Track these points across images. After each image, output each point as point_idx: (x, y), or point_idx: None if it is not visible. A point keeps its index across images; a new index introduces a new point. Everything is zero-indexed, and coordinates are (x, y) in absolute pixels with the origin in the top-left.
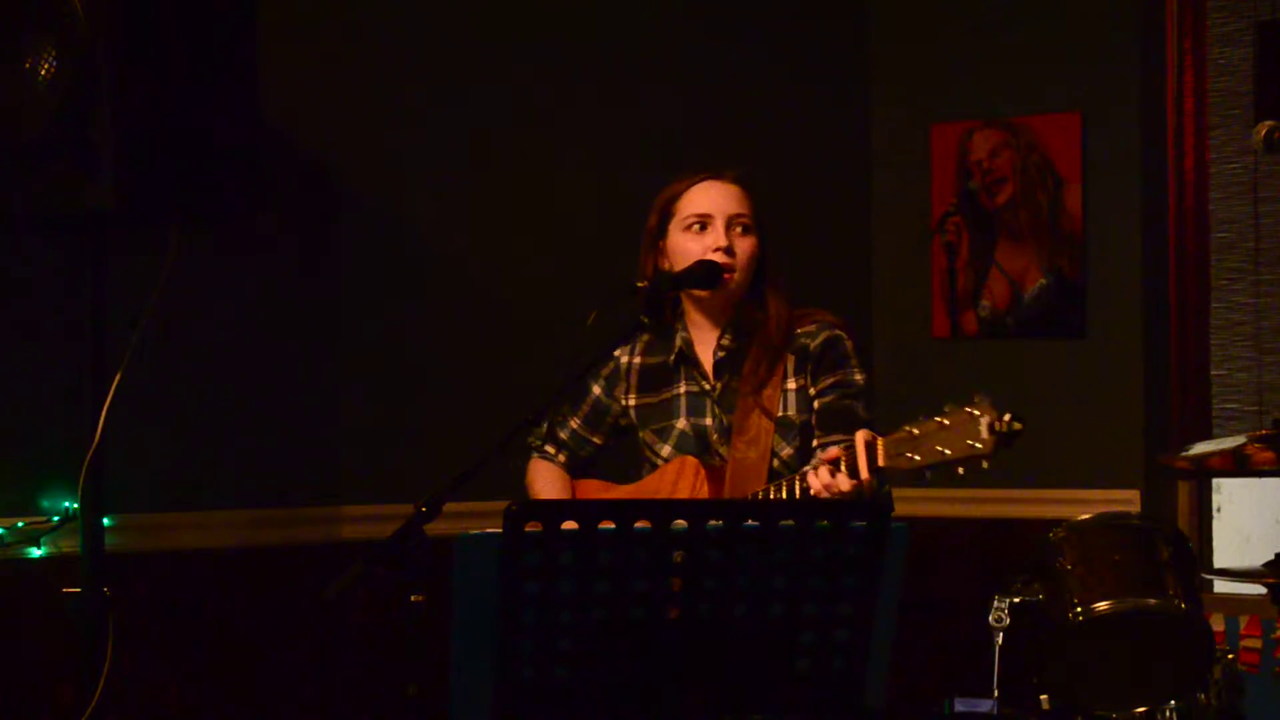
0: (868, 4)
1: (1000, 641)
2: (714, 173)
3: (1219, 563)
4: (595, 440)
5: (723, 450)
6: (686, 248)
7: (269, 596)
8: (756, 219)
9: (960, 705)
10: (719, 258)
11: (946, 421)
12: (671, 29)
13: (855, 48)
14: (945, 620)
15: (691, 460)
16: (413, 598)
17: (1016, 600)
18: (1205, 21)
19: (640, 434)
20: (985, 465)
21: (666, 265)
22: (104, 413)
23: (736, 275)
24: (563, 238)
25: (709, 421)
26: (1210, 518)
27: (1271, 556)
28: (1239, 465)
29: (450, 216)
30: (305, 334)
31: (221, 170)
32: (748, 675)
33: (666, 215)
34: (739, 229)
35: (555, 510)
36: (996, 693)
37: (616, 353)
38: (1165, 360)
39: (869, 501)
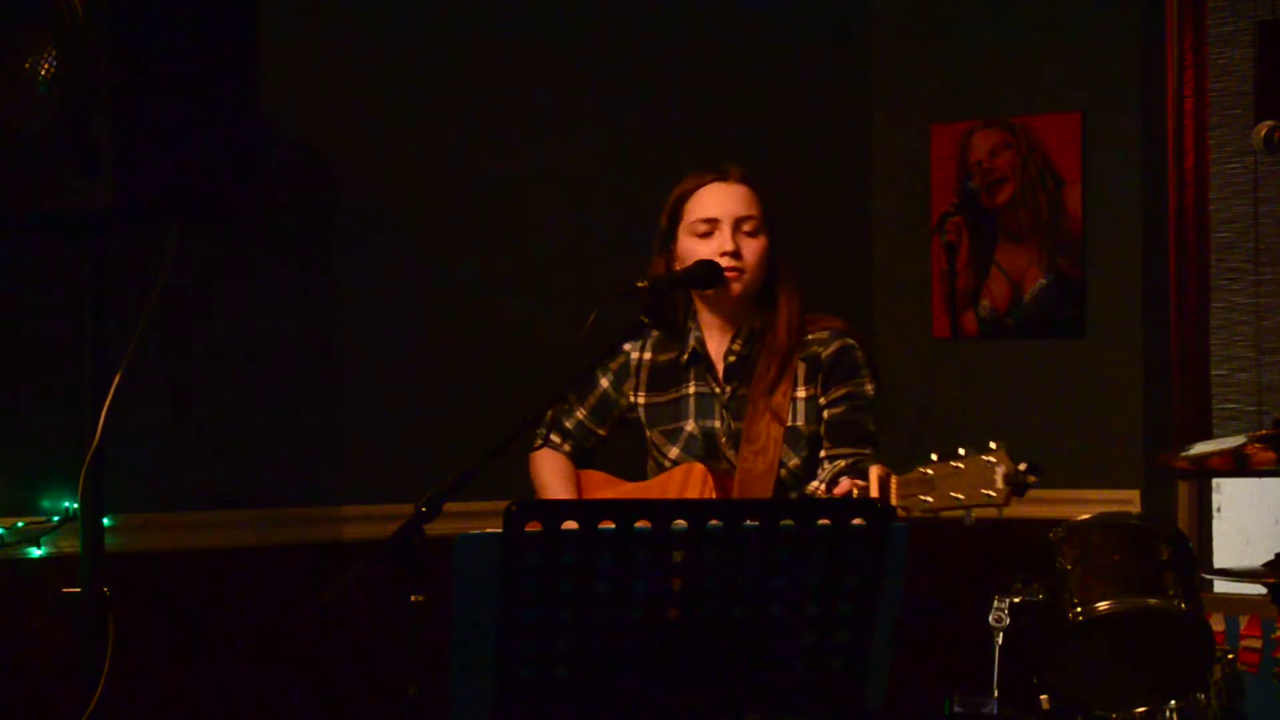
0: (868, 4)
1: (1000, 641)
2: (720, 174)
3: (1219, 563)
4: (600, 432)
5: (730, 454)
6: (695, 252)
7: (269, 596)
8: (765, 218)
9: (960, 705)
10: (726, 262)
11: (962, 466)
12: (671, 29)
13: (855, 48)
14: (945, 620)
15: (699, 467)
16: (413, 598)
17: (1016, 600)
18: (1205, 21)
19: (648, 433)
20: (997, 514)
21: (678, 268)
22: (104, 413)
23: (746, 277)
24: (563, 238)
25: (717, 424)
26: (1210, 518)
27: (1271, 556)
28: (1239, 465)
29: (450, 217)
30: (305, 334)
31: (221, 170)
32: (748, 675)
33: (675, 218)
34: (746, 231)
35: (555, 510)
36: (996, 693)
37: (627, 347)
38: (1165, 360)
39: (869, 502)
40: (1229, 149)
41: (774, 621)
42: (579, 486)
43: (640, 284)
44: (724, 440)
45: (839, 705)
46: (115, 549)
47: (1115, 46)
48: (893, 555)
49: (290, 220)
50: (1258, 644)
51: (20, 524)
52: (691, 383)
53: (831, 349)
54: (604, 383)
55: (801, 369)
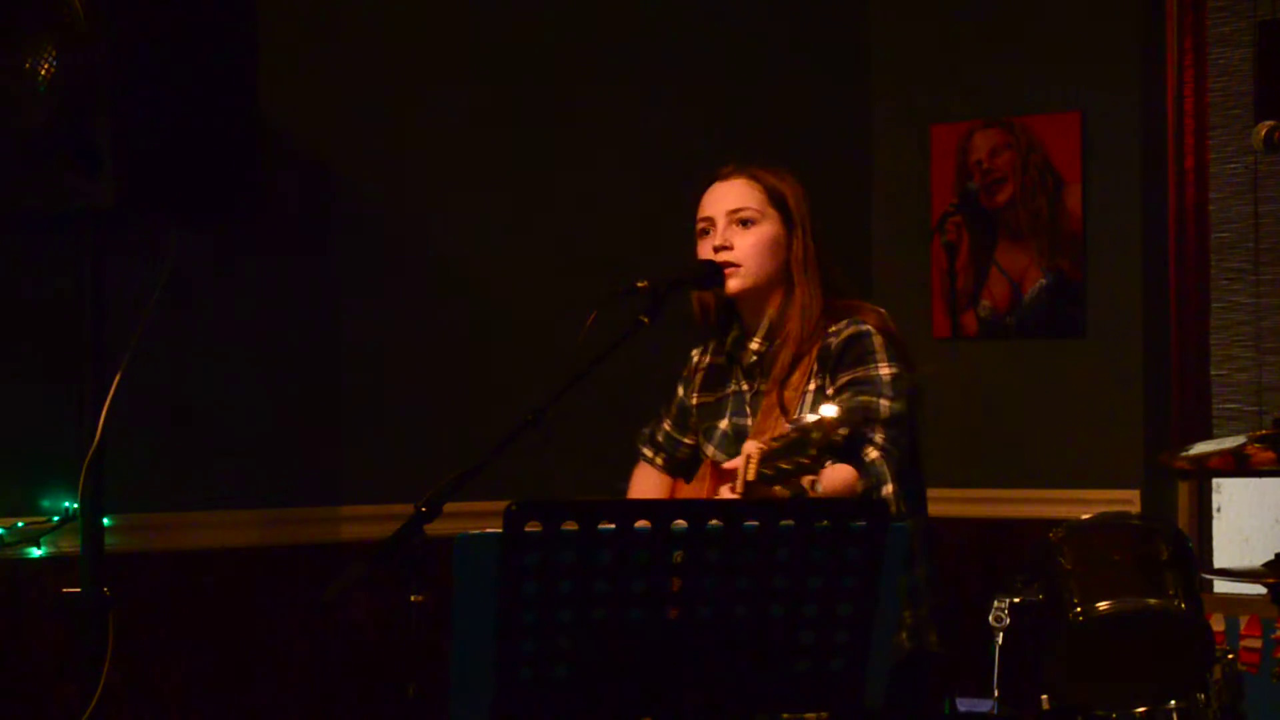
0: (868, 4)
1: (1000, 641)
2: (716, 172)
3: (1219, 563)
4: (686, 441)
5: None
6: (700, 253)
7: (269, 596)
8: (769, 207)
9: (960, 705)
10: (721, 258)
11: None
12: (671, 29)
13: (855, 48)
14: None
15: (708, 462)
16: (413, 598)
17: (1016, 600)
18: (1205, 21)
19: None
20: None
21: None
22: (104, 413)
23: (742, 271)
24: (563, 237)
25: (748, 422)
26: (1210, 518)
27: (1271, 556)
28: (1239, 465)
29: (450, 216)
30: (305, 333)
31: (221, 170)
32: (748, 675)
33: (694, 223)
34: (737, 224)
35: (555, 510)
36: (996, 693)
37: (693, 352)
38: (1165, 360)
39: (870, 502)
40: (1229, 149)
41: (774, 621)
42: (674, 496)
43: (640, 284)
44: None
45: (839, 705)
46: (115, 549)
47: (1115, 46)
48: (892, 555)
49: (290, 219)
50: (1258, 644)
51: (20, 524)
52: (733, 382)
53: (842, 337)
54: (680, 391)
55: (816, 362)
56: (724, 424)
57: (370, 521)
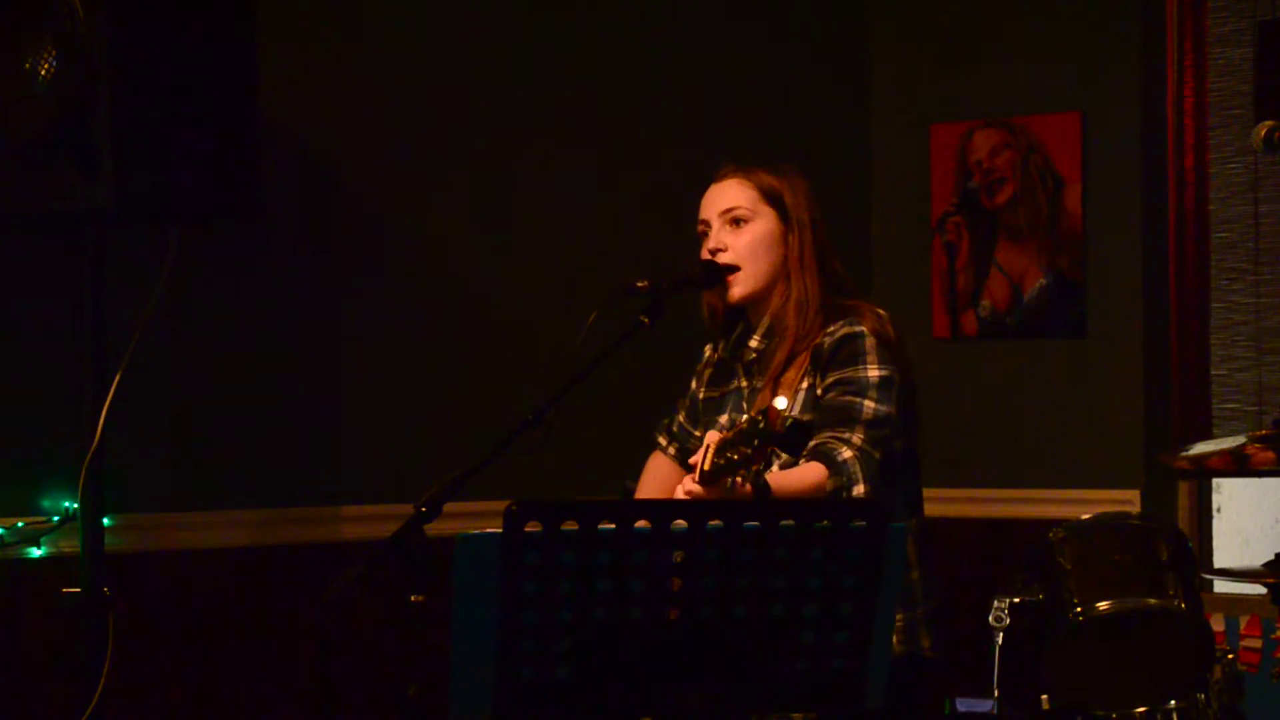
0: (868, 4)
1: (1000, 641)
2: (713, 175)
3: (1219, 563)
4: (697, 433)
5: None
6: (701, 255)
7: (269, 596)
8: (757, 206)
9: (960, 705)
10: (715, 259)
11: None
12: (670, 30)
13: (855, 48)
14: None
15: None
16: (413, 598)
17: (1016, 600)
18: (1205, 21)
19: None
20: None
21: None
22: (104, 413)
23: (740, 274)
24: (563, 237)
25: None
26: (1210, 518)
27: (1271, 556)
28: (1239, 465)
29: (450, 217)
30: (305, 334)
31: (221, 170)
32: (748, 675)
33: (695, 224)
34: (730, 223)
35: (555, 510)
36: (996, 693)
37: (706, 347)
38: (1165, 360)
39: (871, 502)
40: (1229, 149)
41: (774, 621)
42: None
43: (640, 284)
44: None
45: (839, 705)
46: (115, 549)
47: (1115, 46)
48: (893, 555)
49: (290, 220)
50: (1258, 644)
51: (20, 524)
52: (736, 378)
53: (836, 337)
54: (693, 384)
55: (809, 361)
56: (724, 419)
57: (370, 521)
